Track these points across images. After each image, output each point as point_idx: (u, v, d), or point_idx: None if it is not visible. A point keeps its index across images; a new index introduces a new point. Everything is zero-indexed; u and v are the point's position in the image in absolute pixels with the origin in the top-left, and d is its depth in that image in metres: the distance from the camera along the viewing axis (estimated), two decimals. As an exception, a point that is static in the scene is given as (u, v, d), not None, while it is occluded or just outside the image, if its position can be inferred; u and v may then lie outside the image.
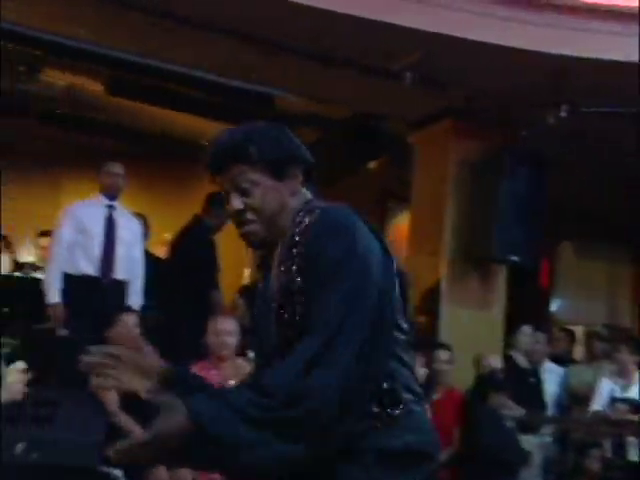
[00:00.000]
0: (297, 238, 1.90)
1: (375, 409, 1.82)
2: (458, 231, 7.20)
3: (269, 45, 6.23)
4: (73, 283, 5.67)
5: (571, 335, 7.97)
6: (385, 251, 1.90)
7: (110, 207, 5.91)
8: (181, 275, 6.22)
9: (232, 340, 4.87)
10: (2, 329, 5.11)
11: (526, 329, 6.93)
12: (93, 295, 5.64)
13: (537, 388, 6.81)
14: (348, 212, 1.90)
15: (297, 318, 1.89)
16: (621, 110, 6.39)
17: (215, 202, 6.07)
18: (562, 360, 7.34)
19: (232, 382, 4.17)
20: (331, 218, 1.88)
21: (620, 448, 6.04)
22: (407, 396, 1.87)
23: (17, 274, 6.92)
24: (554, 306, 10.21)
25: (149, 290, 6.02)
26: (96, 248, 5.74)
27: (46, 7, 5.92)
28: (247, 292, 6.46)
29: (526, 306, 8.33)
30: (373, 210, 9.19)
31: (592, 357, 7.36)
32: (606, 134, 6.89)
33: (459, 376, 6.26)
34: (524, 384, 6.61)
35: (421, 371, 5.48)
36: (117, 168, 5.92)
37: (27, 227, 8.31)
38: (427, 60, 6.23)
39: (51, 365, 5.55)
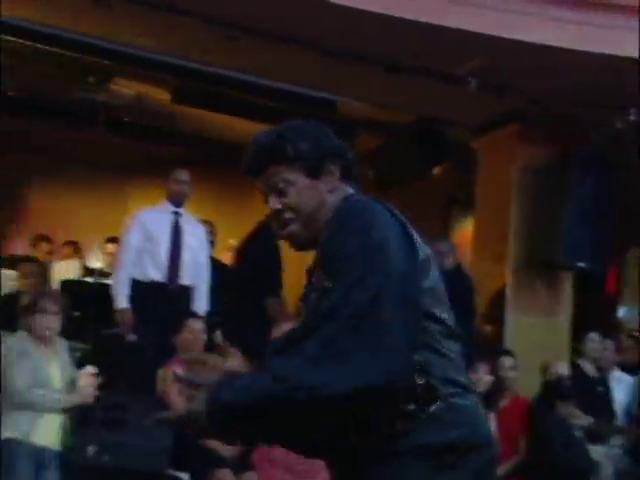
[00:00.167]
0: (321, 236, 1.88)
1: (410, 407, 1.76)
2: (523, 237, 7.11)
3: (332, 51, 6.25)
4: (141, 289, 5.75)
5: (640, 343, 7.80)
6: (411, 240, 1.84)
7: (176, 214, 5.98)
8: (246, 281, 6.27)
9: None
10: (73, 334, 5.21)
11: (593, 336, 6.80)
12: (160, 301, 5.71)
13: (605, 397, 6.68)
14: (364, 203, 1.87)
15: None
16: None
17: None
18: (631, 368, 7.18)
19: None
20: (344, 212, 1.85)
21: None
22: (446, 389, 1.79)
23: (86, 279, 7.05)
24: (622, 313, 10.00)
25: (214, 296, 6.09)
26: (163, 254, 5.82)
27: (116, 19, 6.04)
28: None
29: (593, 313, 8.17)
30: (437, 216, 9.14)
31: (662, 366, 7.19)
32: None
33: (525, 384, 6.18)
34: (592, 393, 6.49)
35: (486, 378, 5.43)
36: (184, 175, 5.99)
37: (95, 233, 8.48)
38: (491, 65, 6.18)
39: (120, 370, 5.65)
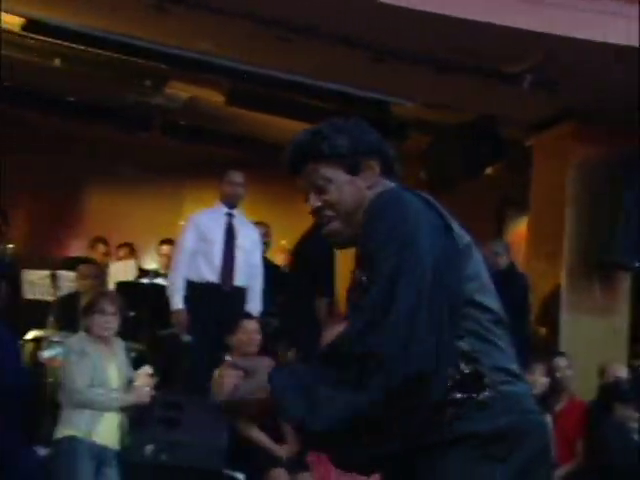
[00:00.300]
0: (360, 231, 1.88)
1: (458, 395, 1.75)
2: (578, 236, 7.02)
3: (385, 52, 6.24)
4: (195, 290, 5.81)
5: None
6: (448, 228, 1.83)
7: (230, 215, 6.03)
8: (299, 282, 6.29)
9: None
10: (128, 334, 5.29)
11: (652, 338, 6.69)
12: (214, 301, 5.76)
13: (665, 400, 6.54)
14: (396, 193, 1.86)
15: None
16: None
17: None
18: (692, 371, 7.02)
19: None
20: (376, 205, 1.85)
21: None
22: (497, 377, 1.77)
23: (142, 281, 7.14)
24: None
25: (268, 297, 6.13)
26: (217, 255, 5.87)
27: (171, 23, 6.11)
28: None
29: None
30: (490, 216, 9.06)
31: None
32: None
33: (582, 386, 6.09)
34: (651, 395, 6.36)
35: (543, 380, 5.37)
36: (238, 177, 6.04)
37: (150, 235, 8.58)
38: (546, 62, 6.11)
39: (175, 370, 5.73)
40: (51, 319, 6.09)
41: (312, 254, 6.18)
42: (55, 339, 5.39)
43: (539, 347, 6.75)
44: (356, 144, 1.93)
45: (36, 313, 6.23)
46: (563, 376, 5.89)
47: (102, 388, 4.59)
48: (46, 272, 6.65)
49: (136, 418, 4.67)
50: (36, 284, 6.53)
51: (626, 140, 6.81)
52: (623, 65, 5.92)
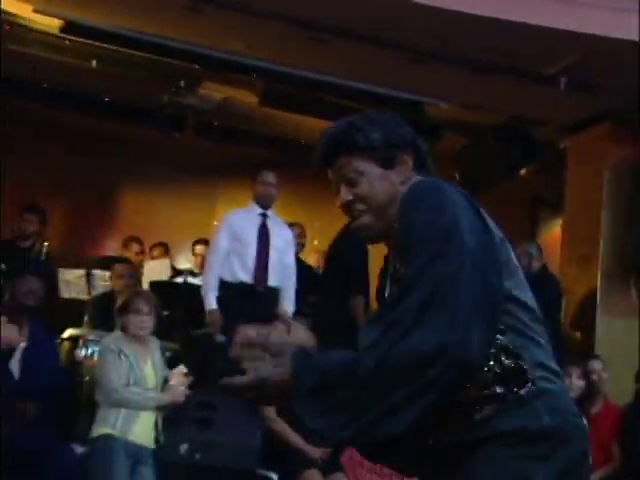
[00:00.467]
0: (395, 225, 1.83)
1: (499, 389, 1.70)
2: (613, 239, 6.95)
3: (419, 52, 6.22)
4: (229, 290, 5.83)
5: None
6: (484, 221, 1.79)
7: (263, 215, 6.04)
8: (334, 282, 6.29)
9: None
10: (162, 334, 5.32)
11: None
12: (248, 302, 5.78)
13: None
14: (434, 183, 1.81)
15: None
16: None
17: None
18: None
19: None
20: (413, 194, 1.80)
21: None
22: (537, 373, 1.73)
23: (175, 280, 7.18)
24: None
25: (301, 297, 6.13)
26: (250, 256, 5.89)
27: (204, 24, 6.14)
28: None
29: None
30: (524, 217, 9.01)
31: None
32: None
33: (618, 390, 6.03)
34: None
35: (579, 383, 5.33)
36: (271, 177, 6.05)
37: (184, 235, 8.64)
38: (581, 63, 6.06)
39: (209, 370, 5.75)
40: (86, 318, 6.15)
41: (346, 254, 6.17)
42: (91, 338, 5.43)
43: (574, 350, 6.70)
44: (390, 137, 1.89)
45: (72, 312, 6.29)
46: (599, 379, 5.83)
47: (138, 387, 4.62)
48: (81, 271, 6.71)
49: (171, 417, 4.70)
50: (72, 283, 6.60)
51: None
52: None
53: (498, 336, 1.73)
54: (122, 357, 4.61)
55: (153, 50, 6.87)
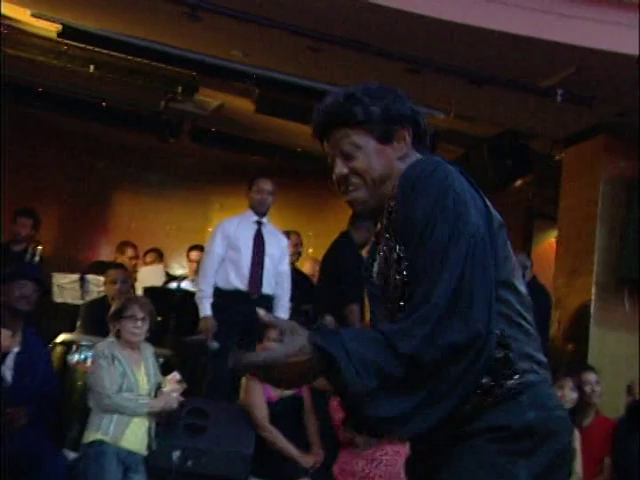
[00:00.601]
0: (392, 203, 1.79)
1: (485, 380, 1.68)
2: (608, 251, 6.96)
3: (416, 62, 6.23)
4: (223, 297, 5.83)
5: None
6: (486, 204, 1.78)
7: (259, 223, 6.05)
8: (328, 291, 6.30)
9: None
10: (155, 340, 5.31)
11: (681, 355, 6.60)
12: (242, 309, 5.77)
13: (694, 418, 6.46)
14: (438, 163, 1.77)
15: (399, 291, 1.76)
16: None
17: (360, 217, 6.11)
18: None
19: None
20: (415, 173, 1.76)
21: None
22: (524, 365, 1.72)
23: (169, 286, 7.17)
24: None
25: (296, 305, 6.13)
26: (245, 263, 5.89)
27: (202, 31, 6.14)
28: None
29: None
30: (518, 228, 9.02)
31: None
32: None
33: (610, 403, 6.03)
34: (680, 414, 6.28)
35: (572, 395, 5.33)
36: (267, 185, 6.05)
37: (178, 241, 8.63)
38: (578, 76, 6.08)
39: (201, 377, 5.74)
40: (79, 323, 6.14)
41: (340, 262, 6.18)
42: (84, 343, 5.42)
43: (565, 362, 6.71)
44: (389, 112, 1.84)
45: (65, 317, 6.28)
46: (592, 391, 5.83)
47: (131, 393, 4.61)
48: (75, 276, 6.70)
49: (163, 424, 4.68)
50: (65, 288, 6.58)
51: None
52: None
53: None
54: (115, 363, 4.60)
55: (150, 56, 6.87)
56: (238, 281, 5.85)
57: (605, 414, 5.93)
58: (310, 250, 7.93)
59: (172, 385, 4.74)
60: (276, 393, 4.82)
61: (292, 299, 6.06)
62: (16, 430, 4.49)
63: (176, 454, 4.54)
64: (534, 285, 6.49)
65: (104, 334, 4.94)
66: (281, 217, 7.26)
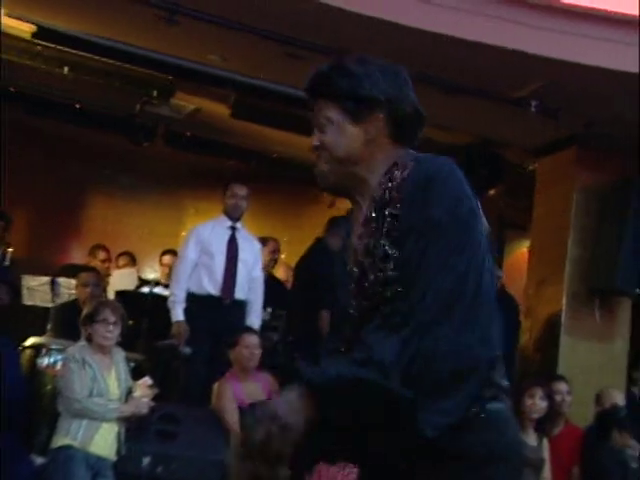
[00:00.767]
0: (389, 196, 1.75)
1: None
2: (580, 262, 7.01)
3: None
4: (196, 302, 5.81)
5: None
6: (478, 208, 1.78)
7: (232, 228, 6.03)
8: (301, 296, 6.29)
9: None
10: (127, 344, 5.27)
11: (650, 364, 6.68)
12: (214, 314, 5.76)
13: (662, 427, 6.52)
14: (451, 164, 1.75)
15: (379, 288, 1.72)
16: None
17: (336, 224, 6.12)
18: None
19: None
20: (430, 171, 1.73)
21: None
22: (488, 393, 1.70)
23: (141, 290, 7.12)
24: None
25: (269, 311, 6.11)
26: (218, 268, 5.87)
27: (179, 35, 6.12)
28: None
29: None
30: (491, 238, 9.07)
31: None
32: None
33: (579, 412, 6.08)
34: (648, 422, 6.34)
35: (542, 404, 5.36)
36: (241, 190, 6.04)
37: (151, 245, 8.58)
38: (551, 87, 6.13)
39: (173, 382, 5.70)
40: (50, 326, 6.07)
41: (315, 269, 6.18)
42: (54, 346, 5.36)
43: (535, 371, 6.76)
44: (364, 89, 1.78)
45: (35, 319, 6.21)
46: (562, 401, 5.87)
47: (101, 398, 4.56)
48: (46, 278, 6.63)
49: (133, 430, 4.65)
50: (35, 290, 6.51)
51: (628, 167, 6.83)
52: (626, 91, 5.95)
53: None
54: (86, 367, 4.55)
55: (127, 59, 6.84)
56: (211, 286, 5.83)
57: (574, 423, 5.98)
58: (283, 256, 7.91)
59: (143, 390, 4.70)
60: (247, 398, 4.80)
61: (266, 304, 6.04)
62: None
63: (146, 460, 4.51)
64: (502, 295, 6.52)
65: (75, 338, 4.90)
66: (256, 223, 7.25)
